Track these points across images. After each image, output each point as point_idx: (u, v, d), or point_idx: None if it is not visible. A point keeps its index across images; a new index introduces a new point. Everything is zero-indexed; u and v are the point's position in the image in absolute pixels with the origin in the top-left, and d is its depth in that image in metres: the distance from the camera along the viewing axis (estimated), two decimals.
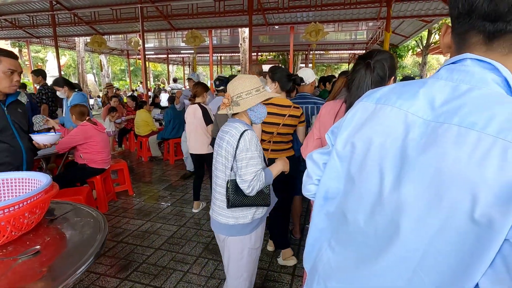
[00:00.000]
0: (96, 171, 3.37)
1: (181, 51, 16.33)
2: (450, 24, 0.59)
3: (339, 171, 0.68)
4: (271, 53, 18.36)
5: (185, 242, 2.81)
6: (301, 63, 18.39)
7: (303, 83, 2.79)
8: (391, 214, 0.55)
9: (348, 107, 1.29)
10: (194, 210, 3.54)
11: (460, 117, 0.48)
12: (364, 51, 14.08)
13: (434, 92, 0.54)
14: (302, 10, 7.12)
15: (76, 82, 13.14)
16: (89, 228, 1.31)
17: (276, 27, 9.07)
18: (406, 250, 0.52)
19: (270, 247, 2.71)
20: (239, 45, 9.78)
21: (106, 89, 8.84)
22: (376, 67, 1.25)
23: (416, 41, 14.76)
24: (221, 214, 1.50)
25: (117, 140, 6.57)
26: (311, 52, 12.57)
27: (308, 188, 0.79)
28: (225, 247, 1.55)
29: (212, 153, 1.63)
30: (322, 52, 16.26)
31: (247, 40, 8.56)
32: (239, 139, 1.40)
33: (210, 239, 2.85)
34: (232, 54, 18.04)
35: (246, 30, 8.88)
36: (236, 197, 1.43)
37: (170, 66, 22.67)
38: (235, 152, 1.41)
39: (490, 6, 0.48)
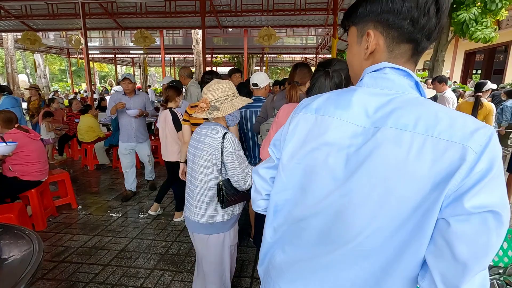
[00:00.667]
0: (30, 184, 3.01)
1: (130, 51, 15.43)
2: None
3: (285, 184, 0.69)
4: (225, 55, 18.33)
5: (138, 255, 2.64)
6: (255, 66, 18.67)
7: (257, 87, 2.83)
8: (344, 215, 0.58)
9: None
10: (151, 212, 3.43)
11: (393, 120, 0.54)
12: (314, 55, 14.84)
13: (366, 99, 0.60)
14: (254, 14, 7.23)
15: (5, 84, 11.59)
16: (20, 252, 1.16)
17: (230, 29, 9.06)
18: (359, 244, 0.56)
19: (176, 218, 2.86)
20: (193, 47, 9.57)
21: (29, 90, 6.86)
22: (334, 76, 1.30)
23: None
24: (201, 214, 1.54)
25: (57, 148, 5.95)
26: (265, 55, 12.84)
27: (258, 203, 0.79)
28: (207, 246, 1.59)
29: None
30: (275, 55, 16.70)
31: (200, 42, 8.41)
32: (222, 141, 1.47)
33: (166, 249, 2.73)
34: (186, 56, 17.60)
35: (200, 31, 8.73)
36: (230, 197, 1.51)
37: (119, 66, 21.25)
38: (222, 156, 1.48)
39: (430, 24, 0.57)
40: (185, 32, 10.89)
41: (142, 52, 8.06)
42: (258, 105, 2.58)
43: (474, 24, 6.45)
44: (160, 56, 10.01)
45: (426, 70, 8.48)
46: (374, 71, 0.61)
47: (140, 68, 21.60)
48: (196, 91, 3.87)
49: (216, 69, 20.85)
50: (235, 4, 6.96)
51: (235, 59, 18.66)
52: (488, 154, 0.48)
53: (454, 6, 6.63)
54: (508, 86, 7.16)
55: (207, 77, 2.96)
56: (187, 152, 1.64)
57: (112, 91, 12.20)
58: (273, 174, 0.74)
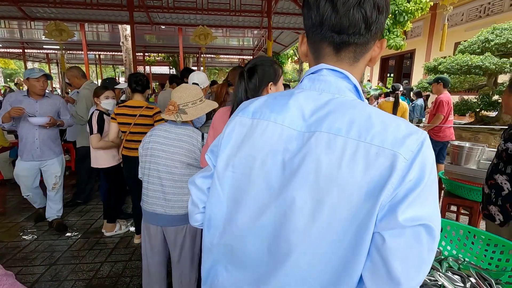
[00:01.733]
0: None
1: (44, 46, 13.42)
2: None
3: (220, 196, 0.62)
4: (159, 54, 17.36)
5: (57, 285, 2.25)
6: (193, 66, 18.14)
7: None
8: (280, 230, 0.53)
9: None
10: (108, 234, 2.99)
11: (328, 124, 0.51)
12: (251, 57, 15.11)
13: (302, 102, 0.56)
14: (188, 12, 6.96)
15: None
16: None
17: (163, 27, 8.57)
18: (297, 262, 0.51)
19: (137, 240, 2.80)
20: (121, 44, 8.77)
21: None
22: (250, 74, 1.27)
23: (294, 50, 16.83)
24: (182, 206, 1.65)
25: None
26: (202, 55, 12.56)
27: (196, 218, 0.70)
28: (185, 235, 1.70)
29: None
30: (213, 55, 16.48)
31: (129, 39, 7.75)
32: (202, 140, 1.65)
33: (94, 273, 2.39)
34: (114, 53, 16.11)
35: (128, 27, 8.04)
36: None
37: (29, 63, 18.28)
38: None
39: (336, 19, 0.53)
40: (112, 27, 9.94)
41: (58, 47, 6.98)
42: None
43: (387, 33, 7.35)
44: (82, 52, 8.91)
45: None
46: (312, 73, 0.59)
47: (58, 66, 18.98)
48: (90, 96, 3.27)
49: (150, 68, 19.66)
50: (167, 0, 6.58)
51: (170, 58, 17.81)
52: (420, 162, 0.46)
53: None
54: (415, 88, 8.36)
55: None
56: (145, 150, 1.68)
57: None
58: (210, 184, 0.67)
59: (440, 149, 4.27)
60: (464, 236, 1.19)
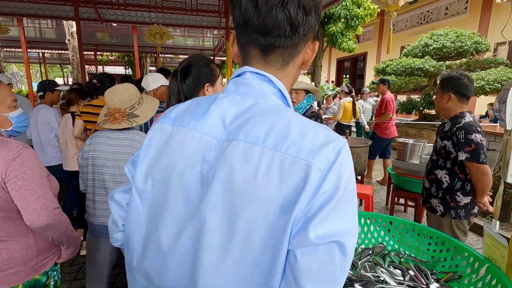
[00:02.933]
0: None
1: None
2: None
3: (140, 212, 0.55)
4: (113, 53, 16.36)
5: None
6: (150, 66, 17.41)
7: (144, 90, 2.57)
8: (197, 253, 0.48)
9: None
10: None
11: (245, 132, 0.48)
12: (212, 57, 14.89)
13: (224, 108, 0.52)
14: (142, 9, 6.63)
15: None
16: None
17: (114, 24, 8.07)
18: (213, 282, 0.47)
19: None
20: (67, 41, 8.10)
21: None
22: (184, 75, 1.21)
23: None
24: None
25: None
26: (160, 55, 12.07)
27: (115, 237, 0.62)
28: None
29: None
30: (172, 55, 15.96)
31: (76, 36, 7.17)
32: None
33: None
34: (61, 52, 14.86)
35: (74, 23, 7.44)
36: None
37: None
38: None
39: (259, 20, 0.49)
40: (56, 23, 9.12)
41: None
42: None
43: (341, 36, 7.73)
44: (21, 50, 8.02)
45: (309, 74, 9.70)
46: (236, 76, 0.55)
47: None
48: None
49: (103, 68, 18.44)
50: None
51: (126, 57, 16.87)
52: (335, 172, 0.44)
53: (326, 20, 7.77)
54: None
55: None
56: (85, 160, 1.52)
57: None
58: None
59: (386, 145, 4.59)
60: (405, 230, 1.26)
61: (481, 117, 8.69)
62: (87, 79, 3.61)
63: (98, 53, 15.09)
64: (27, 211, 1.00)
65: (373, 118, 5.14)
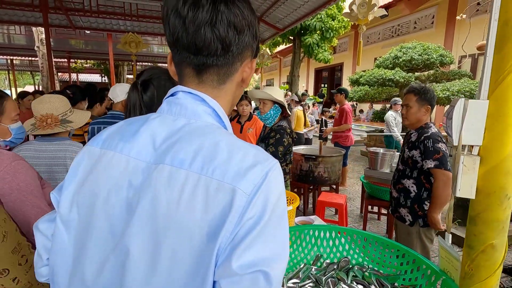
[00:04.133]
0: None
1: None
2: None
3: (65, 243, 0.51)
4: (88, 61, 15.88)
5: None
6: (128, 74, 17.04)
7: (112, 101, 2.47)
8: (120, 286, 0.44)
9: None
10: None
11: (172, 155, 0.45)
12: None
13: (155, 129, 0.50)
14: (116, 17, 6.50)
15: None
16: None
17: (87, 31, 7.84)
18: None
19: None
20: (36, 48, 7.77)
21: None
22: (145, 87, 1.16)
23: None
24: None
25: None
26: (137, 63, 11.85)
27: (41, 272, 0.57)
28: None
29: None
30: (149, 63, 15.72)
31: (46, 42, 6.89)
32: None
33: None
34: (31, 58, 14.23)
35: (43, 30, 7.15)
36: None
37: None
38: None
39: (188, 38, 0.48)
40: (26, 29, 8.74)
41: None
42: (114, 122, 2.24)
43: (317, 48, 7.95)
44: None
45: (287, 84, 9.86)
46: (170, 95, 0.53)
47: None
48: None
49: (77, 76, 17.84)
50: (90, 4, 6.04)
51: (102, 65, 16.43)
52: (262, 196, 0.42)
53: (302, 31, 7.98)
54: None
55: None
56: None
57: None
58: None
59: (346, 153, 4.76)
60: (368, 243, 1.26)
61: None
62: (58, 88, 3.46)
63: (72, 60, 14.58)
64: (23, 220, 1.01)
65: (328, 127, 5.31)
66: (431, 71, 6.93)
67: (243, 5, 0.50)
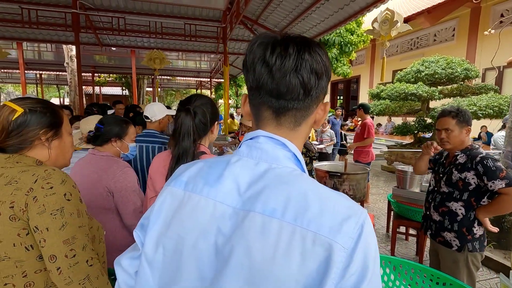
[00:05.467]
0: None
1: None
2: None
3: (150, 283, 0.52)
4: (111, 75, 16.53)
5: None
6: (147, 87, 17.57)
7: (148, 120, 2.54)
8: None
9: (177, 160, 1.17)
10: None
11: (262, 204, 0.46)
12: (208, 79, 15.16)
13: (238, 173, 0.51)
14: (141, 35, 6.78)
15: None
16: None
17: (113, 48, 8.20)
18: None
19: None
20: (66, 64, 8.17)
21: None
22: (197, 113, 1.22)
23: None
24: None
25: None
26: (157, 77, 12.24)
27: None
28: None
29: None
30: (169, 77, 16.17)
31: (75, 59, 7.25)
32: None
33: None
34: (58, 73, 14.97)
35: (74, 47, 7.55)
36: None
37: None
38: None
39: (272, 85, 0.50)
40: (56, 46, 9.25)
41: None
42: (151, 140, 2.29)
43: (335, 62, 7.96)
44: (19, 71, 8.08)
45: None
46: (250, 139, 0.55)
47: None
48: None
49: (100, 89, 18.55)
50: (118, 23, 6.34)
51: (123, 79, 17.05)
52: (362, 250, 0.42)
53: None
54: None
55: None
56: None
57: None
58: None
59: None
60: (415, 275, 1.22)
61: (475, 139, 8.85)
62: (84, 101, 3.67)
63: (95, 74, 15.24)
64: (124, 212, 1.43)
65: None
66: (455, 85, 6.76)
67: (322, 52, 0.52)
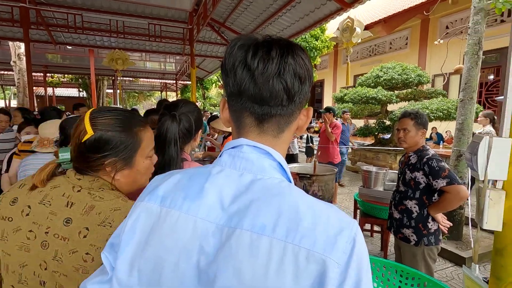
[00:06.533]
0: None
1: None
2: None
3: None
4: (66, 75, 15.36)
5: None
6: (108, 89, 16.62)
7: None
8: None
9: (162, 167, 1.10)
10: None
11: (250, 220, 0.43)
12: (174, 81, 14.75)
13: (222, 185, 0.47)
14: (101, 34, 6.39)
15: None
16: None
17: (69, 47, 7.64)
18: None
19: None
20: (12, 63, 7.42)
21: None
22: (182, 120, 1.17)
23: (217, 76, 17.20)
24: None
25: None
26: (118, 78, 11.62)
27: None
28: None
29: None
30: (131, 78, 15.46)
31: (24, 58, 6.62)
32: None
33: None
34: (3, 72, 13.59)
35: (22, 45, 6.89)
36: None
37: None
38: None
39: (255, 90, 0.47)
40: (0, 43, 8.37)
41: None
42: None
43: None
44: None
45: None
46: (232, 147, 0.52)
47: None
48: None
49: (53, 90, 17.17)
50: (74, 20, 5.91)
51: (80, 80, 15.93)
52: (355, 265, 0.41)
53: None
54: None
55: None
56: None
57: None
58: None
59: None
60: (387, 271, 1.27)
61: (427, 139, 9.64)
62: (35, 103, 3.35)
63: (48, 74, 14.04)
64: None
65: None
66: (409, 90, 7.31)
67: (305, 56, 0.51)
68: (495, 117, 4.74)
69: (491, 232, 1.24)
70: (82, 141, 0.71)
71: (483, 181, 0.90)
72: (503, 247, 0.89)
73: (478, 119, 4.71)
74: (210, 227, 0.45)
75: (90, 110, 0.76)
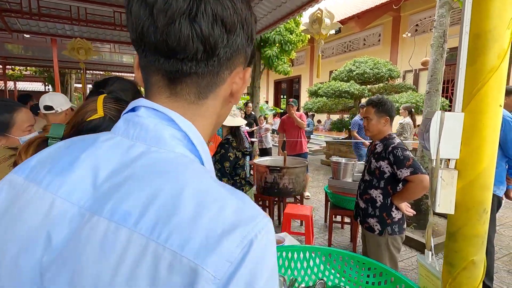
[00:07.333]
0: None
1: None
2: None
3: None
4: (28, 68, 14.34)
5: None
6: (76, 83, 15.76)
7: (52, 111, 2.17)
8: None
9: None
10: None
11: (113, 204, 0.31)
12: None
13: (101, 158, 0.35)
14: (62, 21, 5.95)
15: None
16: None
17: (27, 35, 7.07)
18: None
19: None
20: None
21: None
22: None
23: None
24: None
25: None
26: (87, 72, 11.00)
27: None
28: None
29: None
30: (101, 72, 14.70)
31: None
32: None
33: None
34: None
35: None
36: None
37: None
38: None
39: (157, 35, 0.34)
40: None
41: None
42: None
43: (276, 60, 8.12)
44: None
45: (248, 95, 9.91)
46: (129, 110, 0.39)
47: None
48: None
49: (15, 84, 16.01)
50: (28, 5, 5.44)
51: (45, 73, 14.96)
52: (241, 282, 0.28)
53: (262, 43, 8.11)
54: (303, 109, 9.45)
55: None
56: None
57: None
58: None
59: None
60: (343, 262, 1.20)
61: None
62: None
63: (8, 67, 13.02)
64: None
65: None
66: (381, 84, 7.47)
67: None
68: (413, 110, 5.49)
69: None
70: (87, 119, 0.70)
71: (435, 161, 0.83)
72: (456, 230, 0.83)
73: (400, 111, 5.39)
74: (69, 210, 0.33)
75: (105, 94, 0.77)
